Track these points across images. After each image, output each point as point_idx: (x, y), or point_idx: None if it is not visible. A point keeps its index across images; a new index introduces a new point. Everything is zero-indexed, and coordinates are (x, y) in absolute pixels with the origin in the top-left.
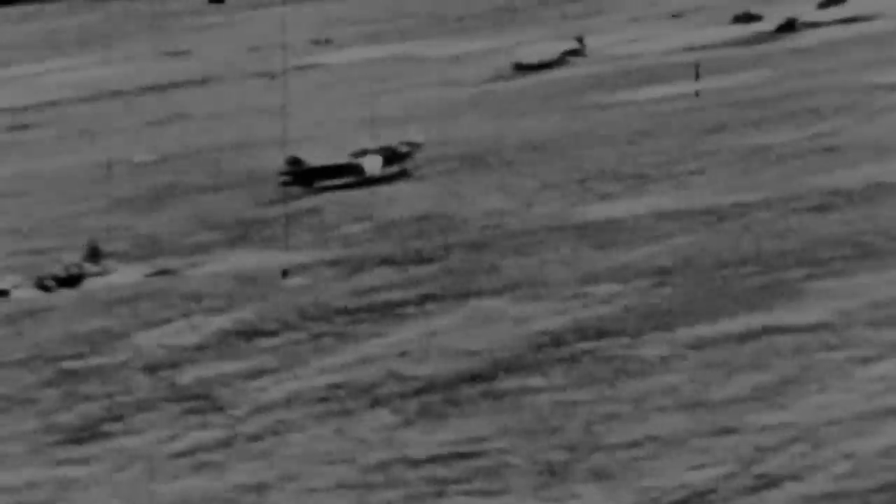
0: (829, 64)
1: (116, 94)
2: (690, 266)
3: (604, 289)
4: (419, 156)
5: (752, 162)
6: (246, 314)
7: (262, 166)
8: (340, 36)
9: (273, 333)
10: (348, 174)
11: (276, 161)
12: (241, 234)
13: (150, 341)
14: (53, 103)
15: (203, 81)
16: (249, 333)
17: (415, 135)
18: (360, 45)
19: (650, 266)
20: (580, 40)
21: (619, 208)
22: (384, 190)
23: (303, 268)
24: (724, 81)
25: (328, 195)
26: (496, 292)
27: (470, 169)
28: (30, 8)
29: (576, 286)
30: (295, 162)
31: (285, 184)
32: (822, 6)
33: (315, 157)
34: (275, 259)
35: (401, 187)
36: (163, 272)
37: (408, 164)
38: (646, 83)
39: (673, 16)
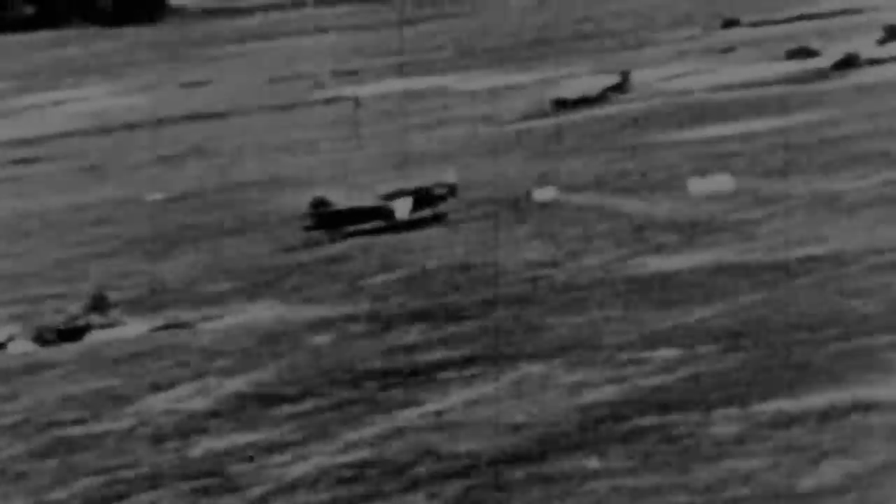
0: (894, 103)
1: (131, 126)
2: (762, 329)
3: (665, 354)
4: (454, 199)
5: (821, 211)
6: (265, 376)
7: (284, 207)
8: (366, 67)
9: (295, 399)
10: (377, 218)
11: (299, 202)
12: (261, 283)
13: (158, 406)
14: (64, 135)
15: (223, 114)
16: (269, 399)
17: (449, 175)
18: (387, 77)
19: (716, 328)
20: (624, 75)
21: (677, 261)
22: (417, 236)
23: (328, 323)
24: (782, 121)
25: (355, 241)
26: (544, 356)
27: (510, 214)
28: (45, 35)
29: (633, 350)
30: (320, 204)
31: (309, 227)
32: (882, 41)
33: (341, 199)
34: (297, 313)
35: (435, 233)
36: (174, 325)
37: (442, 208)
38: (698, 122)
39: (722, 50)
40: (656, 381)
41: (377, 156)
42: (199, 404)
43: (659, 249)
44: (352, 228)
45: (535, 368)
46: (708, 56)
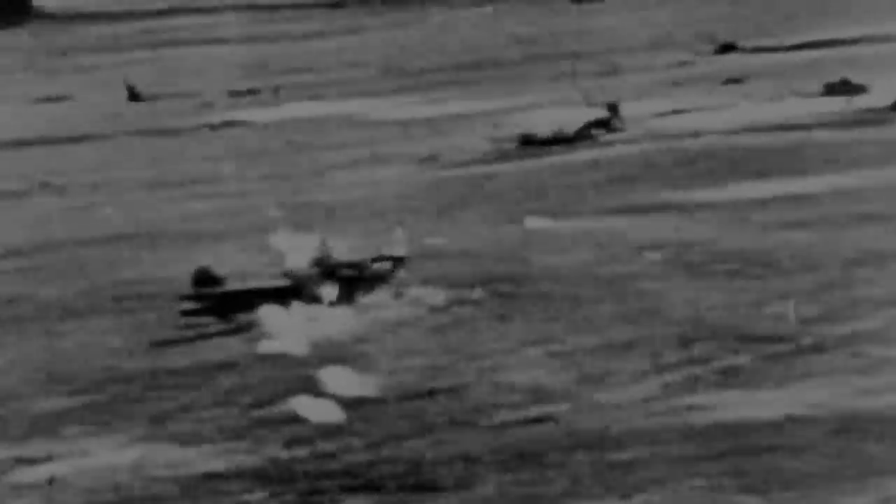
0: None
1: None
2: None
3: None
4: (401, 277)
5: None
6: None
7: (156, 277)
8: (270, 87)
9: None
10: (288, 303)
11: (177, 270)
12: (114, 402)
13: None
14: None
15: (82, 138)
16: None
17: (392, 241)
18: (296, 99)
19: None
20: (613, 108)
21: (760, 401)
22: (346, 336)
23: (215, 483)
24: (847, 180)
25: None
26: None
27: (485, 305)
28: None
29: None
30: (204, 278)
31: (189, 312)
32: None
33: (235, 270)
34: (167, 462)
35: (374, 333)
36: None
37: (383, 293)
38: (724, 177)
39: (730, 80)
40: None
41: (287, 207)
42: None
43: (725, 376)
44: (251, 317)
45: None
46: (710, 88)
